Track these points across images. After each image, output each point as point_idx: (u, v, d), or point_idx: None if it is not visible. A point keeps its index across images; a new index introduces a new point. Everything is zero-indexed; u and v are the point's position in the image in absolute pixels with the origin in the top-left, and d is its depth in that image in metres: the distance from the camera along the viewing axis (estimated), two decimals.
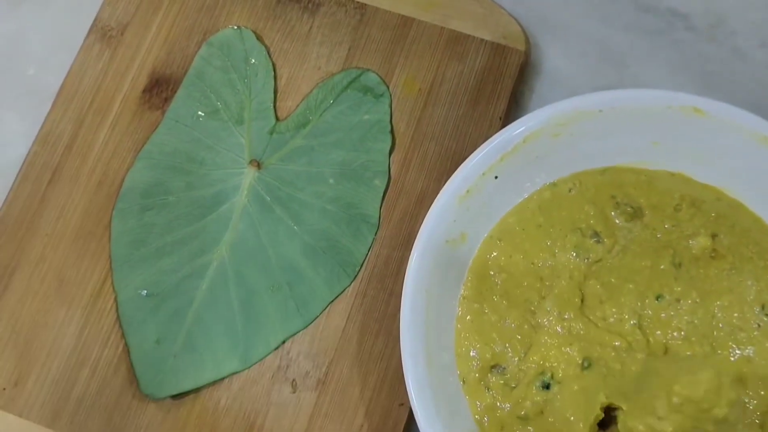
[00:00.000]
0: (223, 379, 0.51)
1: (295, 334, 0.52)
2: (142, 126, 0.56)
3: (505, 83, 0.55)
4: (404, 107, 0.55)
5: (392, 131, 0.55)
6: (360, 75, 0.56)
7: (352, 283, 0.52)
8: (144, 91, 0.57)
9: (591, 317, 0.48)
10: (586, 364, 0.47)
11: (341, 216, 0.54)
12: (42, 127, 0.57)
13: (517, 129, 0.48)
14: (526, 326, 0.49)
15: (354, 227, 0.53)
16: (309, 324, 0.52)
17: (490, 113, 0.54)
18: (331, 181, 0.54)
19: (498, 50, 0.55)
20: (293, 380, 0.51)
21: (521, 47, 0.55)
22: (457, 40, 0.56)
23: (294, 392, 0.50)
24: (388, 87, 0.56)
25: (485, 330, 0.49)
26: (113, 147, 0.56)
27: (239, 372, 0.51)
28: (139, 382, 0.51)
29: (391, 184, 0.54)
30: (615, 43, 0.58)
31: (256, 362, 0.51)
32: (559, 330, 0.48)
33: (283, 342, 0.52)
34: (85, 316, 0.53)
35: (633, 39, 0.57)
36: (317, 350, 0.51)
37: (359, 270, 0.52)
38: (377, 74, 0.56)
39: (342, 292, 0.52)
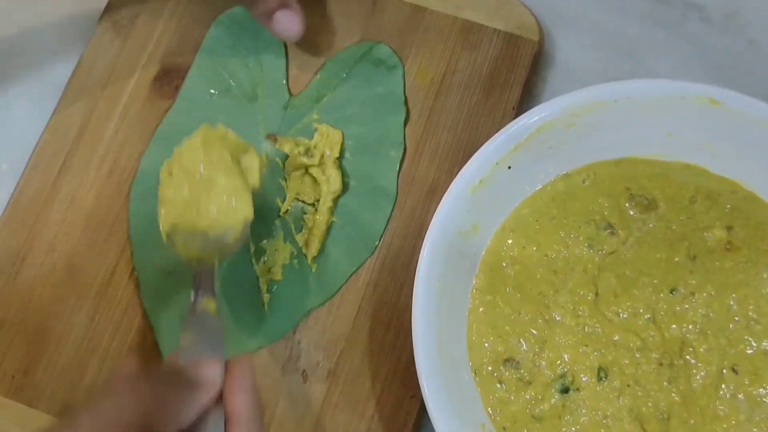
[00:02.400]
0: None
1: (316, 307, 0.52)
2: (153, 114, 0.55)
3: (518, 73, 0.54)
4: (416, 97, 0.55)
5: (406, 102, 0.54)
6: (372, 48, 0.56)
7: (364, 271, 0.52)
8: (155, 79, 0.56)
9: (605, 313, 0.48)
10: (603, 375, 0.47)
11: (358, 189, 0.53)
12: (52, 116, 0.57)
13: (531, 119, 0.48)
14: (539, 320, 0.48)
15: (371, 199, 0.53)
16: (330, 298, 0.52)
17: (503, 103, 0.54)
18: (347, 154, 0.54)
19: (511, 40, 0.55)
20: (304, 371, 0.50)
21: (534, 37, 0.55)
22: (470, 30, 0.55)
23: (305, 383, 0.50)
24: (400, 59, 0.55)
25: (498, 322, 0.48)
26: (124, 136, 0.55)
27: (262, 347, 0.51)
28: (164, 357, 0.51)
29: (404, 174, 0.53)
30: (629, 34, 0.57)
31: (280, 338, 0.51)
32: (574, 327, 0.48)
33: (305, 316, 0.51)
34: (96, 305, 0.52)
35: (647, 30, 0.57)
36: (328, 341, 0.51)
37: (378, 244, 0.52)
38: (389, 46, 0.55)
39: (362, 264, 0.52)
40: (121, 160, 0.55)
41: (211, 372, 0.38)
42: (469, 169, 0.48)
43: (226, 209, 0.46)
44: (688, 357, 0.47)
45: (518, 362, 0.48)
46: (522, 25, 0.55)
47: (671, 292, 0.48)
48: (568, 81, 0.56)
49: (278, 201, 0.53)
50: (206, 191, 0.46)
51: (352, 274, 0.52)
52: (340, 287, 0.52)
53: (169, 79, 0.56)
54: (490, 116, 0.54)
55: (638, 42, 0.57)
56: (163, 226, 0.46)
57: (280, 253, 0.53)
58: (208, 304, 0.44)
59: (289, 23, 0.54)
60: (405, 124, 0.54)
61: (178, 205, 0.46)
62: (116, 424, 0.35)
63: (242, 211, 0.46)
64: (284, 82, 0.56)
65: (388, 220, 0.53)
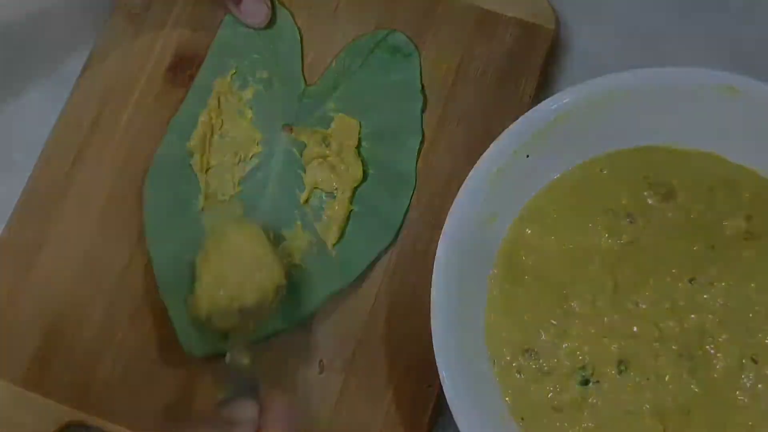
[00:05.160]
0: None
1: (335, 293, 0.51)
2: (167, 105, 0.55)
3: (534, 62, 0.54)
4: (432, 86, 0.54)
5: (423, 90, 0.54)
6: (387, 35, 0.55)
7: (382, 260, 0.52)
8: (168, 69, 0.56)
9: (624, 303, 0.47)
10: (623, 368, 0.46)
11: (377, 177, 0.53)
12: (65, 108, 0.56)
13: (550, 106, 0.48)
14: (558, 310, 0.48)
15: (391, 188, 0.52)
16: (349, 284, 0.51)
17: (519, 93, 0.54)
18: (364, 143, 0.54)
19: (527, 28, 0.54)
20: (320, 360, 0.50)
21: (550, 26, 0.54)
22: (485, 18, 0.55)
23: (321, 373, 0.50)
24: (416, 46, 0.55)
25: (517, 312, 0.48)
26: (138, 127, 0.55)
27: (283, 331, 0.51)
28: (180, 340, 0.51)
29: (420, 163, 0.53)
30: (647, 22, 0.57)
31: (299, 322, 0.51)
32: (593, 317, 0.47)
33: (324, 302, 0.51)
34: (111, 296, 0.52)
35: (666, 18, 0.56)
36: (345, 331, 0.51)
37: (398, 232, 0.52)
38: (405, 34, 0.55)
39: (384, 251, 0.52)
40: (135, 151, 0.54)
41: (248, 412, 0.41)
42: (487, 158, 0.47)
43: (260, 282, 0.48)
44: (707, 347, 0.46)
45: (537, 352, 0.47)
46: (538, 13, 0.55)
47: (690, 282, 0.47)
48: (586, 70, 0.56)
49: (297, 191, 0.53)
50: (242, 269, 0.48)
51: (373, 261, 0.52)
52: (360, 274, 0.51)
53: (183, 68, 0.56)
54: (507, 105, 0.53)
55: (657, 30, 0.57)
56: (201, 309, 0.48)
57: (299, 240, 0.52)
58: (243, 359, 0.47)
59: (255, 9, 0.55)
60: (423, 112, 0.54)
61: (214, 287, 0.48)
62: None
63: (275, 279, 0.48)
64: (300, 71, 0.56)
65: (408, 208, 0.52)
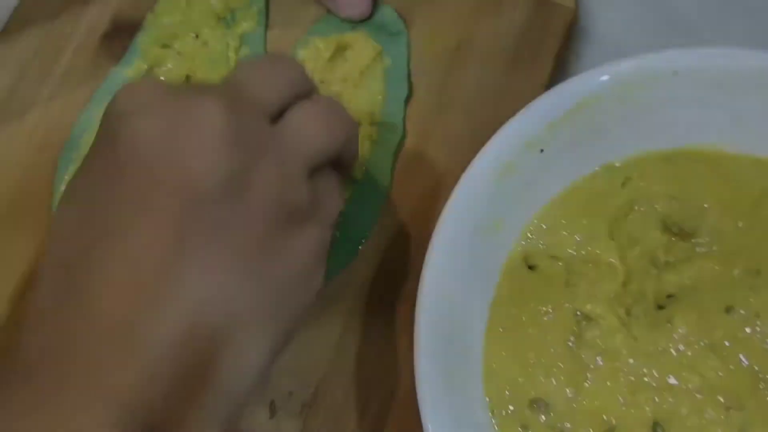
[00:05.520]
0: None
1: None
2: (98, 78, 0.45)
3: (549, 45, 0.45)
4: (424, 70, 0.45)
5: (409, 77, 0.45)
6: (372, 9, 0.46)
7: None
8: (104, 37, 0.46)
9: (652, 341, 0.38)
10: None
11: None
12: None
13: (570, 90, 0.38)
14: (573, 346, 0.38)
15: (359, 191, 0.43)
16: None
17: (530, 80, 0.44)
18: None
19: (541, 5, 0.46)
20: (272, 402, 0.40)
21: (569, 3, 0.46)
22: None
23: (272, 417, 0.39)
24: (405, 24, 0.45)
25: (522, 346, 0.38)
26: (61, 105, 0.45)
27: None
28: None
29: (406, 161, 0.43)
30: (680, 5, 0.48)
31: None
32: (617, 366, 0.38)
33: None
34: (11, 309, 0.42)
35: (702, 1, 0.48)
36: (305, 365, 0.40)
37: (360, 246, 0.42)
38: (394, 9, 0.46)
39: (342, 269, 0.42)
40: (55, 133, 0.44)
41: None
42: (492, 149, 0.38)
43: None
44: (762, 394, 0.37)
45: (548, 405, 0.37)
46: None
47: (727, 312, 0.38)
48: (606, 57, 0.46)
49: None
50: None
51: (329, 280, 0.41)
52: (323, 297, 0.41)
53: (121, 37, 0.46)
54: (515, 95, 0.44)
55: (691, 15, 0.48)
56: None
57: None
58: None
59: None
60: (406, 103, 0.44)
61: None
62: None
63: None
64: (262, 47, 0.46)
65: (377, 216, 0.42)
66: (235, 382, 0.29)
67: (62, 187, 0.43)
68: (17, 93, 0.45)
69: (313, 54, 0.45)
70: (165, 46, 0.45)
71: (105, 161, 0.30)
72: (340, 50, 0.45)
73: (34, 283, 0.31)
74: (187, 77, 0.45)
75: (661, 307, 0.39)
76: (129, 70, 0.45)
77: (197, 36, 0.46)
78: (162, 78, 0.45)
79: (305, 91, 0.34)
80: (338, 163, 0.34)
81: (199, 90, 0.30)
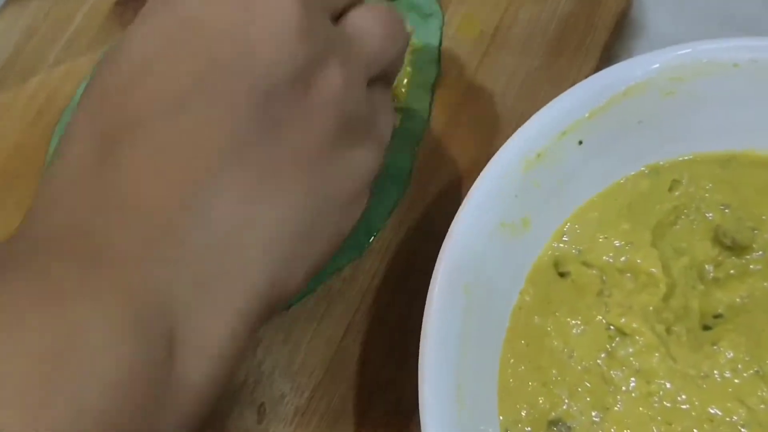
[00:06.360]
0: None
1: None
2: (106, 46, 0.42)
3: (597, 36, 0.41)
4: (457, 54, 0.41)
5: (439, 61, 0.41)
6: None
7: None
8: (117, 3, 0.43)
9: (694, 364, 0.33)
10: None
11: None
12: None
13: (616, 76, 0.34)
14: (603, 364, 0.33)
15: (375, 181, 0.39)
16: (293, 304, 0.37)
17: (573, 72, 0.40)
18: None
19: None
20: (261, 404, 0.36)
21: None
22: None
23: (260, 423, 0.35)
24: (440, 5, 0.42)
25: (544, 361, 0.34)
26: (65, 68, 0.42)
27: None
28: None
29: (429, 150, 0.39)
30: (743, 5, 0.44)
31: None
32: (650, 391, 0.33)
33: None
34: None
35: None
36: (300, 367, 0.36)
37: (370, 242, 0.38)
38: None
39: (346, 265, 0.38)
40: (56, 99, 0.41)
41: None
42: (523, 136, 0.33)
43: None
44: None
45: (570, 428, 0.33)
46: None
47: None
48: None
49: None
50: None
51: (332, 274, 0.37)
52: (312, 291, 0.37)
53: (135, 4, 0.43)
54: (556, 86, 0.40)
55: (755, 16, 0.44)
56: None
57: None
58: None
59: None
60: (434, 88, 0.40)
61: None
62: None
63: None
64: None
65: (392, 210, 0.38)
66: (276, 294, 0.26)
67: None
68: (23, 54, 0.42)
69: None
70: None
71: (162, 21, 0.26)
72: None
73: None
74: None
75: (706, 327, 0.34)
76: None
77: None
78: None
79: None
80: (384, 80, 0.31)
81: None
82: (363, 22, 0.29)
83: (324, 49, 0.27)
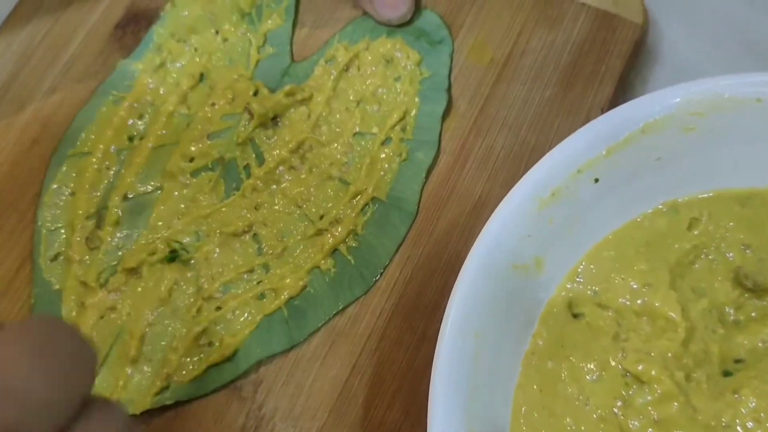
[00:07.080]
0: None
1: (282, 352, 0.36)
2: (104, 71, 0.41)
3: (611, 64, 0.40)
4: (468, 80, 0.40)
5: (449, 90, 0.39)
6: (415, 14, 0.41)
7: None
8: (117, 26, 0.42)
9: (714, 413, 0.32)
10: None
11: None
12: None
13: (634, 111, 0.33)
14: (619, 413, 0.32)
15: (380, 214, 0.37)
16: (296, 344, 0.36)
17: (588, 101, 0.39)
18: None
19: (605, 20, 0.40)
20: None
21: (637, 20, 0.40)
22: (549, 1, 0.41)
23: None
24: (450, 31, 0.40)
25: (558, 408, 0.32)
26: (61, 95, 0.41)
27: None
28: None
29: (438, 183, 0.38)
30: (761, 30, 0.42)
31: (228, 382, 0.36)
32: None
33: (267, 363, 0.36)
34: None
35: None
36: (303, 410, 0.35)
37: (379, 277, 0.36)
38: (438, 14, 0.41)
39: (350, 303, 0.36)
40: (51, 126, 0.40)
41: None
42: (538, 174, 0.32)
43: None
44: None
45: None
46: (622, 2, 0.40)
47: None
48: (678, 83, 0.41)
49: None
50: None
51: (333, 317, 0.36)
52: (315, 331, 0.36)
53: (135, 27, 0.42)
54: (569, 116, 0.39)
55: None
56: None
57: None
58: None
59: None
60: (444, 118, 0.39)
61: None
62: None
63: None
64: (288, 48, 0.41)
65: (399, 244, 0.37)
66: None
67: (53, 185, 0.39)
68: (17, 81, 0.41)
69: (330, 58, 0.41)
70: (181, 40, 0.41)
71: None
72: (378, 59, 0.40)
73: None
74: (201, 76, 0.40)
75: (727, 374, 0.33)
76: (139, 63, 0.41)
77: (217, 32, 0.41)
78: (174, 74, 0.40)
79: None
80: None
81: None
82: None
83: None
